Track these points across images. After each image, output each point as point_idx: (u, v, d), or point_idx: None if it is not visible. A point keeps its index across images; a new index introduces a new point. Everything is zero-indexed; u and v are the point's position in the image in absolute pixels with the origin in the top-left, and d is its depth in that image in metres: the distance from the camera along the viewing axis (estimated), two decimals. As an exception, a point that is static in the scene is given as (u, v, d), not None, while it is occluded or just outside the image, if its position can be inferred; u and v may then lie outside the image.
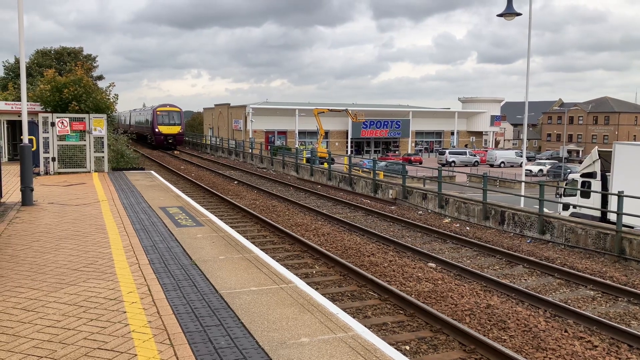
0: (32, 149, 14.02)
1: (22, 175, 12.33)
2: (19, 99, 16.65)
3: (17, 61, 33.22)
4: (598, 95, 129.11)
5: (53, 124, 19.17)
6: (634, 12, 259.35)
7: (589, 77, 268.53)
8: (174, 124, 50.70)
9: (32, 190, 12.44)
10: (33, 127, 18.83)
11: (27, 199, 12.34)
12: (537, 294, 9.18)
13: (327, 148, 59.48)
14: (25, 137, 13.07)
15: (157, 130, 49.80)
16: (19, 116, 14.75)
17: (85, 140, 19.75)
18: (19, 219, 10.65)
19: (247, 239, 10.29)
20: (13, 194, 13.92)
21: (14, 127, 23.53)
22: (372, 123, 72.84)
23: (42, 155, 19.25)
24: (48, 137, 19.24)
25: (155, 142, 50.44)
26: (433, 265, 10.95)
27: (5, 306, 5.76)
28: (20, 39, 12.69)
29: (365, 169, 37.04)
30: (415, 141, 79.85)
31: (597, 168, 21.31)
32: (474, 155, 69.85)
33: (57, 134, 19.25)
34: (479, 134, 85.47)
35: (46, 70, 24.86)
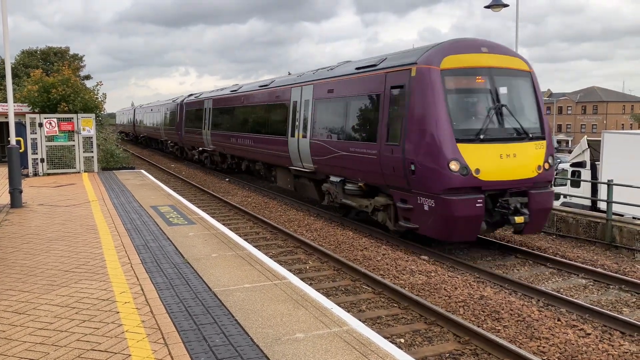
0: (20, 151, 13.90)
1: (10, 177, 12.22)
2: (5, 100, 16.49)
3: (3, 62, 32.88)
4: (585, 85, 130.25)
5: (41, 125, 19.00)
6: (612, 3, 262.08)
7: (574, 68, 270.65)
8: (528, 137, 10.75)
9: (20, 192, 12.34)
10: (20, 129, 18.66)
11: (16, 201, 12.23)
12: (530, 284, 9.23)
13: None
14: (13, 139, 12.95)
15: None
16: (6, 117, 14.60)
17: (74, 141, 19.60)
18: (8, 222, 10.55)
19: (240, 236, 10.26)
20: (1, 196, 13.78)
21: (1, 129, 23.30)
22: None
23: (30, 156, 19.10)
24: (36, 138, 19.09)
25: (454, 231, 10.19)
26: (426, 257, 10.97)
27: (-4, 309, 5.71)
28: (5, 39, 12.54)
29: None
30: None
31: (586, 157, 21.47)
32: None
33: (46, 134, 19.09)
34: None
35: (33, 71, 24.60)
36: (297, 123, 15.94)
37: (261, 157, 19.43)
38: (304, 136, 15.29)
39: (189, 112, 29.94)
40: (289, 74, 20.63)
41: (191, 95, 31.91)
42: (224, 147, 23.78)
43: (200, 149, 27.84)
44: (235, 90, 23.28)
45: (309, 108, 15.20)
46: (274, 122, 17.99)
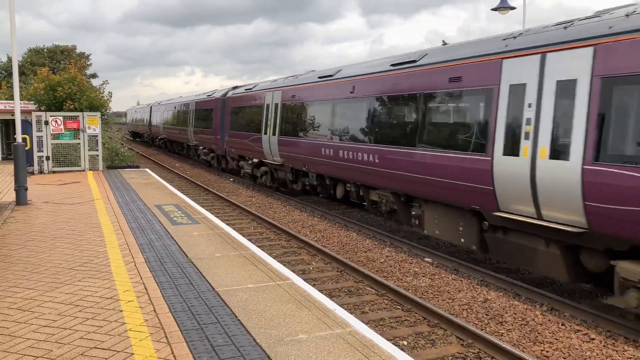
0: (26, 148, 13.96)
1: (16, 174, 12.28)
2: (12, 97, 16.58)
3: (10, 60, 33.01)
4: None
5: (47, 123, 19.09)
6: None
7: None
8: None
9: (26, 189, 12.39)
10: (26, 126, 18.76)
11: (21, 198, 12.28)
12: (534, 288, 9.19)
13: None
14: (19, 136, 13.01)
15: None
16: (12, 115, 14.68)
17: (79, 139, 19.67)
18: (13, 219, 10.59)
19: (244, 236, 10.26)
20: (7, 193, 13.84)
21: (8, 127, 23.43)
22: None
23: (36, 154, 19.19)
24: (42, 136, 19.19)
25: None
26: (429, 260, 10.95)
27: (1, 306, 5.73)
28: (12, 37, 12.60)
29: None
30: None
31: None
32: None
33: (51, 132, 19.17)
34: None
35: (40, 69, 24.72)
36: (524, 129, 8.06)
37: (396, 183, 11.51)
38: (561, 156, 7.48)
39: (237, 109, 22.39)
40: (444, 43, 11.87)
41: (237, 87, 24.38)
42: (305, 161, 16.04)
43: (256, 160, 20.28)
44: (330, 76, 14.78)
45: (582, 99, 7.15)
46: (436, 125, 10.44)
